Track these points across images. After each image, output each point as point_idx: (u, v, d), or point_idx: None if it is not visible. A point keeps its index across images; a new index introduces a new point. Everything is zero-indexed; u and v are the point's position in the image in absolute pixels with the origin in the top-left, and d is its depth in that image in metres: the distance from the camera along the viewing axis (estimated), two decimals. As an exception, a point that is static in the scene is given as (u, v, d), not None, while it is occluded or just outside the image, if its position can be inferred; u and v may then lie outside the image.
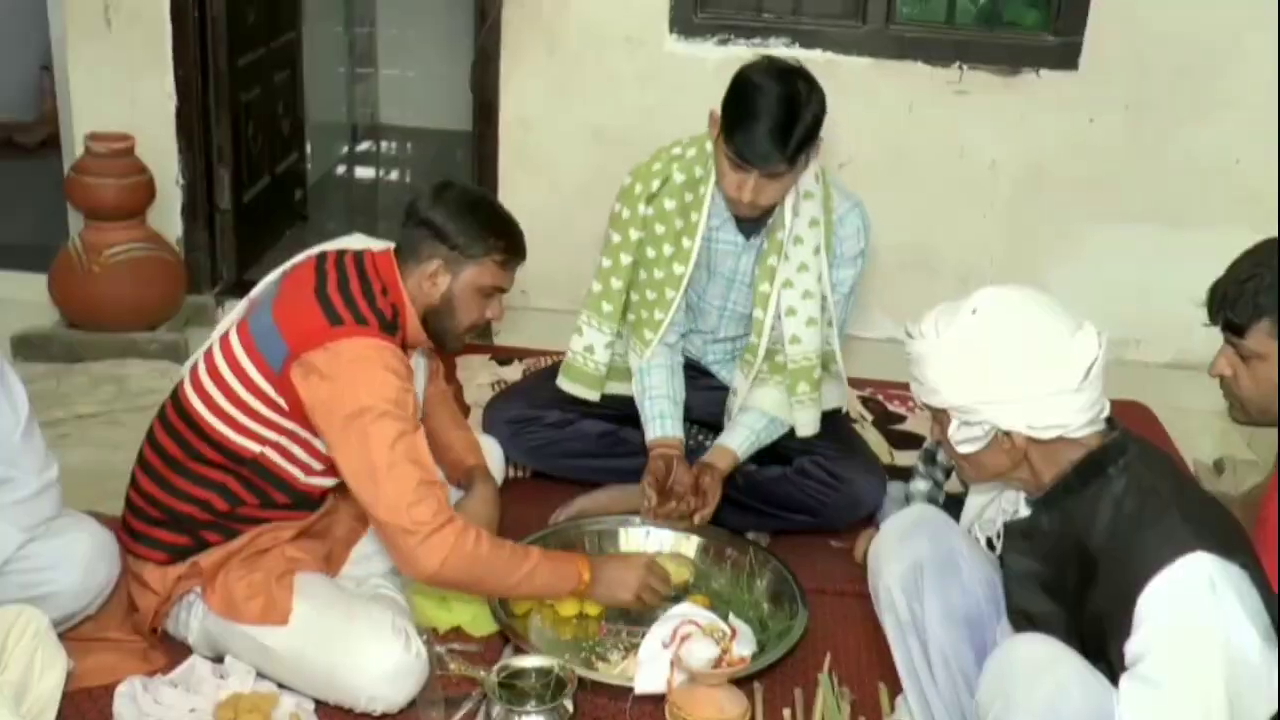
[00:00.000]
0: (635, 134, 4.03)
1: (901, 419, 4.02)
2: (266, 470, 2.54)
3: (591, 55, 4.19)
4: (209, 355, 2.56)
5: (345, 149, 6.49)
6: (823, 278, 3.03)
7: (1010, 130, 4.20)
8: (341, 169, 6.32)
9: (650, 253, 3.08)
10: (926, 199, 4.28)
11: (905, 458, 3.65)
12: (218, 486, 2.54)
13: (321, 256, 2.61)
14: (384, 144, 6.75)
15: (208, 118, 4.42)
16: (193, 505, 2.55)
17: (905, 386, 4.13)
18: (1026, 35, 4.22)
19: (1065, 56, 4.11)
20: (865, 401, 4.11)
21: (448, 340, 2.65)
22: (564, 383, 3.22)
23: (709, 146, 2.96)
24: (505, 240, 2.58)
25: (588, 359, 3.20)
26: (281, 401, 2.47)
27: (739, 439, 3.11)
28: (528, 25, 4.17)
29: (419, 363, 2.77)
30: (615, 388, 3.24)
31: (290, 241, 5.01)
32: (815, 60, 4.11)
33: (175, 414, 2.57)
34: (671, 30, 4.17)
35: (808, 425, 3.09)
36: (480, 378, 4.07)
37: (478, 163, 4.34)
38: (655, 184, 3.05)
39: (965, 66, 4.15)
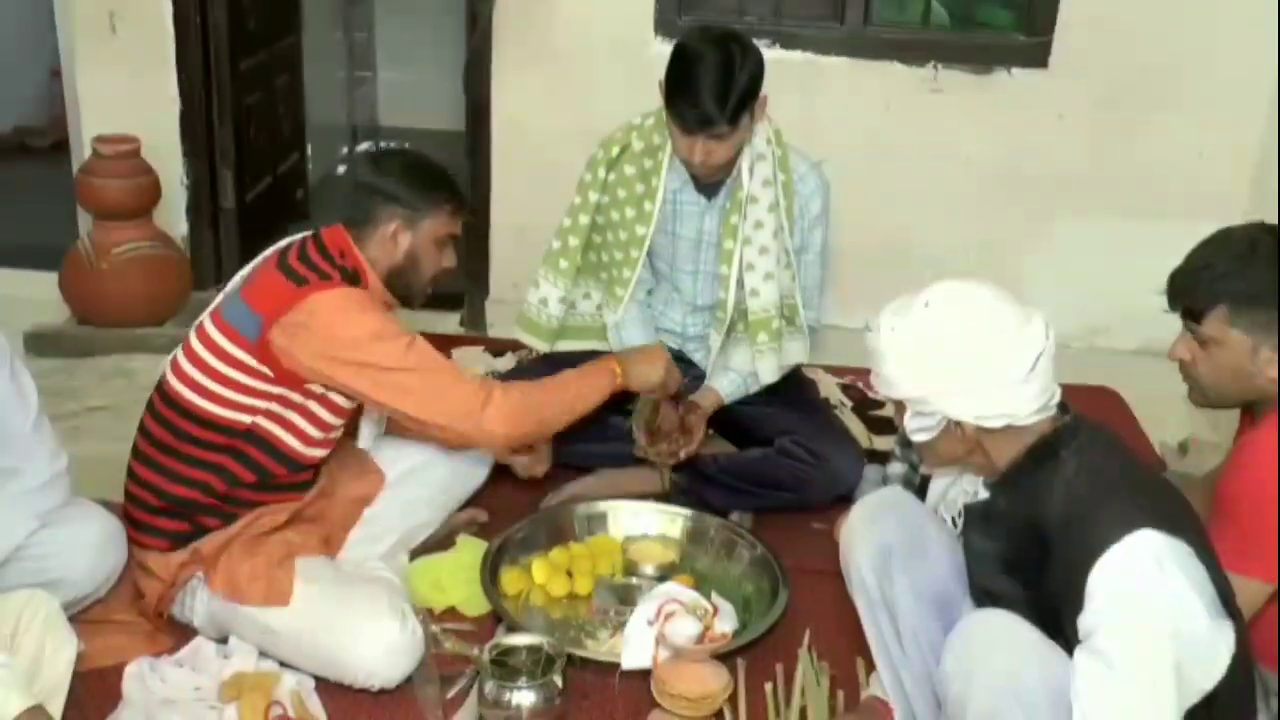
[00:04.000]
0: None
1: (880, 405, 3.96)
2: (264, 441, 2.57)
3: (579, 57, 4.21)
4: (187, 344, 2.60)
5: (345, 150, 6.48)
6: (781, 233, 3.08)
7: (983, 127, 4.22)
8: (342, 169, 6.31)
9: (614, 216, 3.15)
10: (903, 194, 4.31)
11: (884, 442, 3.66)
12: (213, 467, 2.56)
13: (282, 244, 2.68)
14: (383, 145, 6.73)
15: (211, 120, 4.44)
16: (191, 488, 2.57)
17: None
18: (999, 35, 4.24)
19: (1036, 55, 4.14)
20: (845, 389, 4.12)
21: (414, 294, 2.71)
22: (518, 332, 3.33)
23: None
24: (450, 190, 2.68)
25: (541, 311, 3.27)
26: (264, 369, 2.51)
27: (726, 382, 3.21)
28: (518, 28, 4.20)
29: None
30: (567, 345, 3.32)
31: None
32: (795, 60, 4.19)
33: (162, 403, 2.60)
34: (656, 33, 4.19)
35: (767, 372, 3.16)
36: (475, 368, 4.03)
37: (471, 162, 4.35)
38: (615, 150, 3.13)
39: (940, 66, 4.18)
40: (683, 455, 3.13)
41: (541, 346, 3.32)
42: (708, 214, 3.14)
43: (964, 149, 4.25)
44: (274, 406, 2.55)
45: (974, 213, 4.31)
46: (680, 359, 3.31)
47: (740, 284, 3.10)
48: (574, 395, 2.73)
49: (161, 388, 2.62)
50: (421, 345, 2.55)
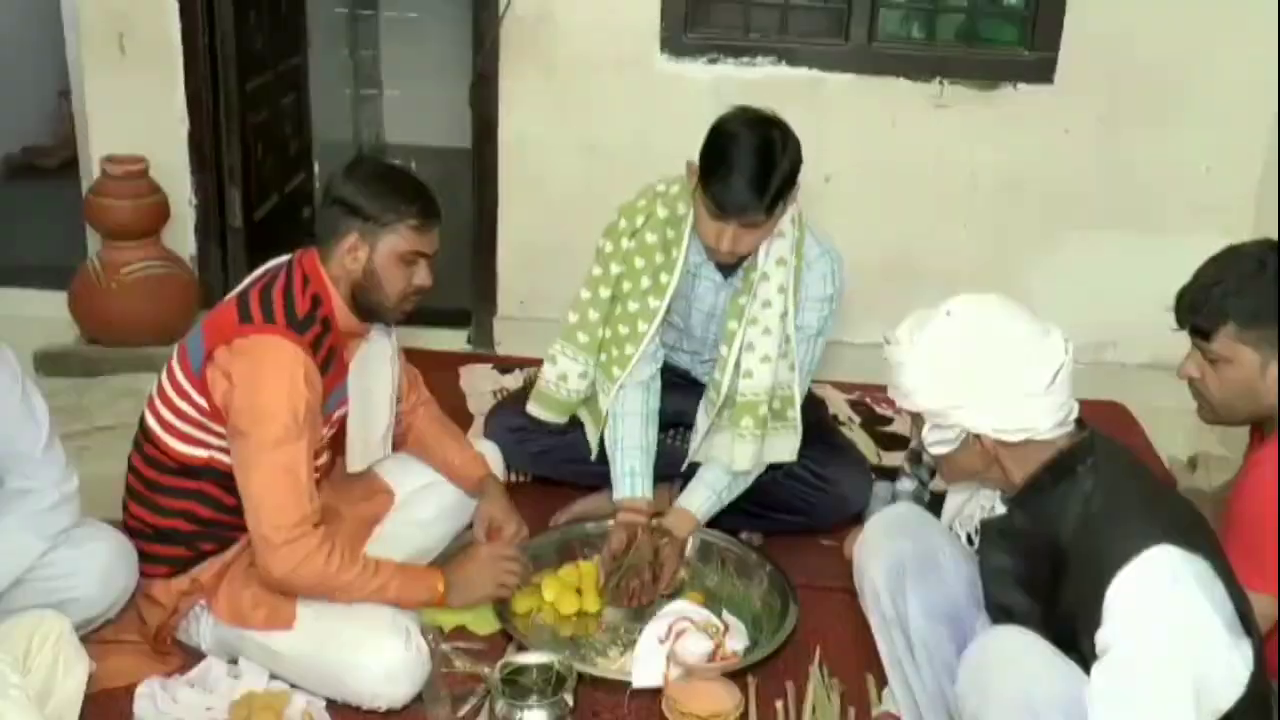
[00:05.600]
0: (629, 151, 4.10)
1: (888, 421, 4.03)
2: (224, 475, 2.51)
3: (586, 75, 4.20)
4: (162, 373, 2.58)
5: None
6: (786, 317, 2.94)
7: (989, 142, 4.21)
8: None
9: (627, 285, 3.01)
10: (909, 209, 4.30)
11: (892, 458, 3.65)
12: (194, 494, 2.55)
13: (259, 271, 2.62)
14: (363, 156, 6.70)
15: (219, 139, 4.43)
16: (177, 519, 2.57)
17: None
18: (1004, 51, 4.23)
19: (1041, 71, 4.13)
20: (853, 405, 4.13)
21: (383, 313, 2.59)
22: (532, 407, 3.16)
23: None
24: (416, 204, 2.52)
25: (560, 387, 3.12)
26: (204, 403, 2.46)
27: (699, 500, 3.03)
28: (524, 47, 4.19)
29: (380, 345, 2.74)
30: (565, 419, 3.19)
31: None
32: (800, 77, 4.19)
33: (141, 435, 2.60)
34: (662, 50, 4.17)
35: (743, 459, 2.97)
36: (483, 386, 4.09)
37: (477, 179, 4.35)
38: (639, 220, 2.99)
39: (945, 81, 4.17)
40: (644, 601, 2.89)
41: (558, 420, 3.17)
42: (722, 290, 3.03)
43: (970, 164, 4.24)
44: (224, 442, 2.49)
45: (980, 227, 4.30)
46: (688, 380, 3.26)
47: (737, 366, 2.95)
48: (376, 592, 2.52)
49: (141, 418, 2.61)
50: (293, 451, 2.40)
